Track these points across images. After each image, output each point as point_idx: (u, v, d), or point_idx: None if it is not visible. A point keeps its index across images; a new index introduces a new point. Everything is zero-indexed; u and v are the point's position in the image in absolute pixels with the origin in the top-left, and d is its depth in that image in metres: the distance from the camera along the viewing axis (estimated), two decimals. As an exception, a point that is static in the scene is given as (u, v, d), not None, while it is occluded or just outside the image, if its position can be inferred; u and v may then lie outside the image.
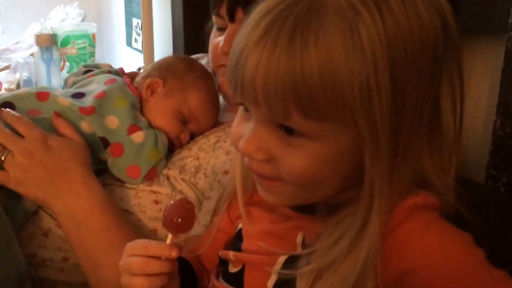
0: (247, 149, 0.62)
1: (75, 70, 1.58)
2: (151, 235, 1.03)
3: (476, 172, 0.96)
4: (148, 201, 1.05)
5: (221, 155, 1.05)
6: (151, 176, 1.07)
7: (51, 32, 1.99)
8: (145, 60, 2.00)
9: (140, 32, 2.13)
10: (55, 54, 1.95)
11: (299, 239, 0.66)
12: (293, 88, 0.54)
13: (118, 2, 2.50)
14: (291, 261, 0.64)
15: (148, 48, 1.98)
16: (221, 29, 1.12)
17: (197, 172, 1.08)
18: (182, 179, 1.07)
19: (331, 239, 0.60)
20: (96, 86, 1.13)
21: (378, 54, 0.53)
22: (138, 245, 0.68)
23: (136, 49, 2.29)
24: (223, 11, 1.07)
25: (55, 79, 1.94)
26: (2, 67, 2.19)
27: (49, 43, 1.92)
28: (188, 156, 1.11)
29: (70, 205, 0.95)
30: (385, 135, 0.56)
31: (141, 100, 1.14)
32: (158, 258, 0.66)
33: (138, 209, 1.04)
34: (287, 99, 0.55)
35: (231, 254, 0.73)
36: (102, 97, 1.08)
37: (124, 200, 1.05)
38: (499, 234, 0.80)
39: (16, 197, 0.95)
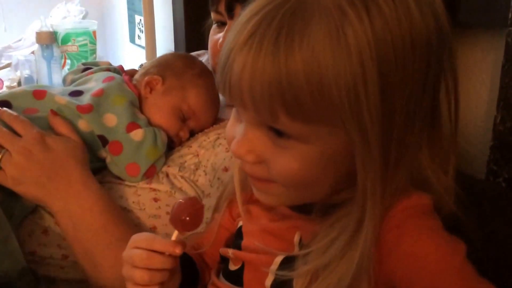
0: (238, 152, 0.61)
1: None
2: (150, 233, 1.02)
3: (477, 168, 0.96)
4: (147, 198, 1.05)
5: (221, 152, 1.05)
6: (150, 174, 1.06)
7: (51, 30, 1.99)
8: (147, 57, 2.00)
9: (143, 28, 2.13)
10: (56, 51, 1.96)
11: (296, 238, 0.66)
12: (279, 91, 0.54)
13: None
14: (288, 262, 0.64)
15: (150, 44, 1.98)
16: (221, 26, 1.11)
17: (196, 169, 1.07)
18: (182, 177, 1.07)
19: (326, 240, 0.60)
20: (94, 84, 1.13)
21: (365, 55, 0.52)
22: (143, 238, 0.69)
23: (139, 45, 2.29)
24: (222, 7, 1.07)
25: (56, 77, 1.94)
26: (3, 65, 2.19)
27: (49, 40, 1.93)
28: (188, 154, 1.10)
29: (68, 204, 0.95)
30: (376, 137, 0.55)
31: (140, 97, 1.14)
32: (161, 253, 0.66)
33: (137, 207, 1.04)
34: (274, 102, 0.55)
35: (230, 252, 0.74)
36: (100, 95, 1.07)
37: (123, 198, 1.05)
38: (500, 229, 0.80)
39: (13, 195, 0.95)
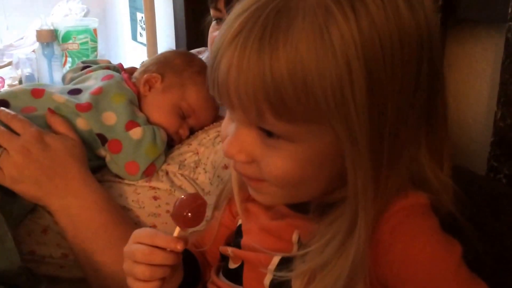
0: (229, 151, 0.61)
1: (76, 65, 1.58)
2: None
3: (477, 164, 0.96)
4: (146, 197, 1.05)
5: (220, 150, 1.04)
6: (150, 172, 1.06)
7: (52, 28, 1.98)
8: (148, 54, 2.00)
9: (144, 26, 2.12)
10: (57, 49, 1.95)
11: (294, 237, 0.66)
12: (264, 90, 0.53)
13: (121, -3, 2.50)
14: (286, 261, 0.63)
15: (151, 42, 1.98)
16: (220, 23, 1.11)
17: (196, 167, 1.07)
18: (182, 175, 1.07)
19: (324, 240, 0.59)
20: (93, 82, 1.13)
21: (351, 55, 0.51)
22: (145, 233, 0.68)
23: (141, 43, 2.29)
24: (221, 4, 1.07)
25: (57, 75, 1.94)
26: (5, 63, 2.19)
27: (50, 38, 1.92)
28: (188, 151, 1.10)
29: (67, 203, 0.95)
30: (365, 137, 0.54)
31: (139, 96, 1.13)
32: (163, 249, 0.66)
33: (136, 206, 1.04)
34: (259, 101, 0.54)
35: (230, 250, 0.73)
36: (99, 93, 1.07)
37: (123, 197, 1.05)
38: (500, 226, 0.79)
39: (12, 194, 0.95)
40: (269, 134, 0.58)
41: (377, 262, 0.58)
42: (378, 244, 0.58)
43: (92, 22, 2.19)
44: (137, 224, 1.02)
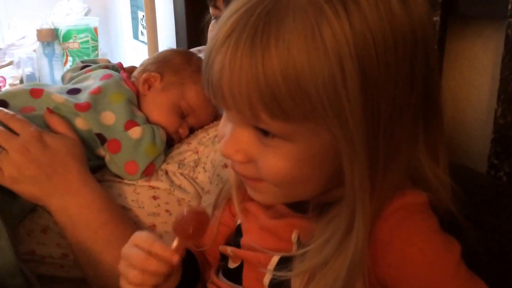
0: (226, 151, 0.61)
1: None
2: (149, 231, 1.02)
3: (478, 162, 0.95)
4: (146, 196, 1.04)
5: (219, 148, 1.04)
6: (149, 172, 1.06)
7: (52, 27, 1.99)
8: (149, 53, 2.00)
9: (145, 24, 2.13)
10: (57, 49, 1.95)
11: (294, 237, 0.66)
12: (258, 90, 0.53)
13: (122, -5, 2.50)
14: (285, 261, 0.63)
15: (152, 40, 1.98)
16: (219, 20, 1.11)
17: (196, 166, 1.07)
18: (181, 174, 1.07)
19: (323, 239, 0.59)
20: (92, 81, 1.13)
21: (343, 52, 0.51)
22: (143, 238, 0.68)
23: (142, 41, 2.29)
24: (220, 2, 1.07)
25: (57, 74, 1.94)
26: (6, 62, 2.19)
27: (50, 37, 1.92)
28: (187, 150, 1.10)
29: (66, 202, 0.95)
30: (360, 135, 0.54)
31: (138, 95, 1.13)
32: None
33: (136, 205, 1.04)
34: (253, 101, 0.54)
35: (229, 250, 0.73)
36: (98, 93, 1.07)
37: (122, 196, 1.04)
38: (501, 224, 0.79)
39: (11, 194, 0.95)
40: (265, 133, 0.58)
41: (376, 261, 0.58)
42: (377, 243, 0.58)
43: (92, 21, 2.20)
44: (136, 223, 1.02)
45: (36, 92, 1.06)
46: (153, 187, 1.05)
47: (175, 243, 0.67)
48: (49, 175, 0.95)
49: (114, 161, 1.05)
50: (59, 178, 0.95)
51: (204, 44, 1.41)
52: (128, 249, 0.68)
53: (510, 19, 0.83)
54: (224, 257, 0.77)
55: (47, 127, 1.01)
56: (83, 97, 1.07)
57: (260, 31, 0.52)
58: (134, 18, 2.34)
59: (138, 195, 1.05)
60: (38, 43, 1.97)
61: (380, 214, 0.58)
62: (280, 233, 0.68)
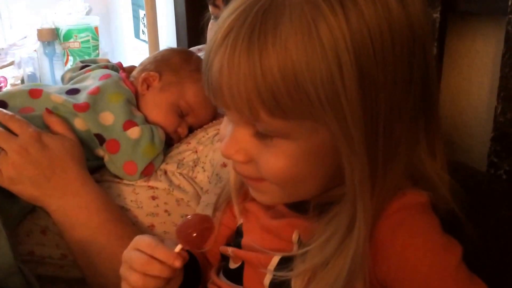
0: (227, 152, 0.61)
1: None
2: (148, 231, 1.02)
3: (478, 160, 0.95)
4: (145, 197, 1.04)
5: (219, 148, 1.04)
6: (148, 172, 1.06)
7: (53, 27, 1.98)
8: (150, 52, 1.99)
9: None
10: (58, 48, 1.95)
11: (294, 237, 0.65)
12: (256, 89, 0.53)
13: (124, -6, 2.50)
14: (286, 261, 0.63)
15: (153, 39, 1.98)
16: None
17: (195, 166, 1.07)
18: (180, 174, 1.06)
19: (323, 239, 0.59)
20: (91, 81, 1.12)
21: (341, 50, 0.51)
22: (146, 242, 0.68)
23: (144, 40, 2.29)
24: (219, 0, 1.06)
25: (59, 74, 1.93)
26: (8, 62, 2.20)
27: (51, 37, 1.92)
28: (186, 150, 1.10)
29: (65, 203, 0.95)
30: (359, 132, 0.54)
31: (137, 95, 1.13)
32: (161, 261, 0.66)
33: (135, 205, 1.04)
34: (252, 100, 0.54)
35: (230, 250, 0.73)
36: (96, 93, 1.07)
37: (121, 197, 1.04)
38: (501, 222, 0.78)
39: (11, 195, 0.95)
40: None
41: (376, 261, 0.58)
42: (377, 243, 0.58)
43: (93, 20, 2.20)
44: (135, 224, 1.02)
45: (35, 93, 1.06)
46: (152, 187, 1.05)
47: (178, 247, 0.67)
48: (48, 176, 0.95)
49: (113, 161, 1.05)
50: (57, 179, 0.95)
51: (204, 43, 1.41)
52: (130, 253, 0.68)
53: (510, 16, 0.82)
54: (225, 258, 0.76)
55: (46, 128, 1.01)
56: (82, 98, 1.07)
57: (257, 29, 0.53)
58: (135, 17, 2.34)
59: (137, 195, 1.04)
60: (39, 43, 1.97)
61: (380, 214, 0.58)
62: (281, 233, 0.67)
